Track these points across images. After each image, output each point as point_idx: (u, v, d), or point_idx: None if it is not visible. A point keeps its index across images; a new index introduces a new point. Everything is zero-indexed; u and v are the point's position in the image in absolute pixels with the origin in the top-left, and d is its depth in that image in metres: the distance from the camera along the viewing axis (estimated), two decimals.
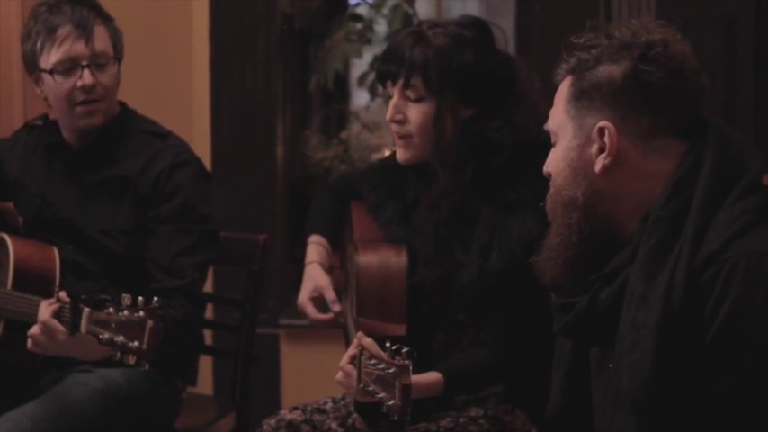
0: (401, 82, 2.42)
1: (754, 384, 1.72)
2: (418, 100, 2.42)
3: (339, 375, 2.27)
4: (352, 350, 2.24)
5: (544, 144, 2.32)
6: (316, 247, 2.68)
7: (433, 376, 2.32)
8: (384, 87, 2.49)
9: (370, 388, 2.12)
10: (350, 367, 2.23)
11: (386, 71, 2.45)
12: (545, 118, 2.38)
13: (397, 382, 2.05)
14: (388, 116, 2.46)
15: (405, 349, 2.08)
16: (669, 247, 1.79)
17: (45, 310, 2.47)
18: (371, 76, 4.27)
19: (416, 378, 2.20)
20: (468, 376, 2.39)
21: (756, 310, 1.72)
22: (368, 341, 2.19)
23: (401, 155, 2.48)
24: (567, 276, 1.90)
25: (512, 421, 2.45)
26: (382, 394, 2.09)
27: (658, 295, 1.76)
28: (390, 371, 2.08)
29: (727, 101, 3.77)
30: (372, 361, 2.13)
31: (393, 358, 2.09)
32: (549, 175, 1.94)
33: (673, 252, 1.78)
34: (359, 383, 2.16)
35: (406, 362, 2.06)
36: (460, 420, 2.43)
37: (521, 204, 2.36)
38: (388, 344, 2.12)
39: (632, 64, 1.84)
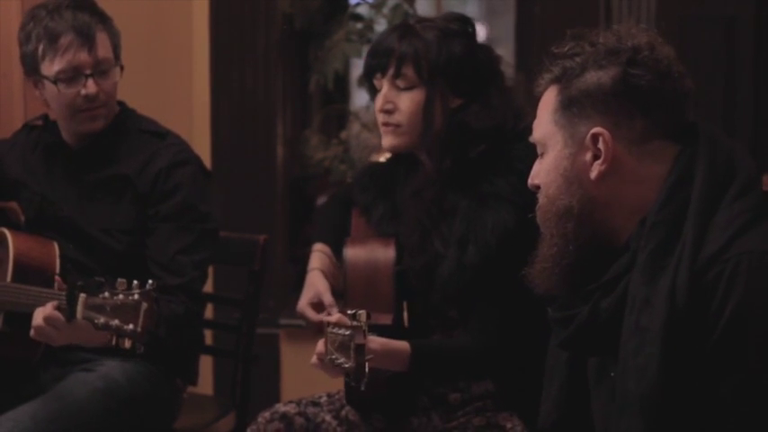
0: (392, 71, 2.45)
1: (760, 383, 1.72)
2: (408, 88, 2.45)
3: (313, 359, 2.26)
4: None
5: (519, 137, 2.35)
6: (318, 255, 2.69)
7: (401, 344, 2.32)
8: (370, 82, 2.51)
9: (333, 356, 2.12)
10: (323, 350, 2.22)
11: (375, 64, 2.48)
12: (523, 113, 2.41)
13: (351, 344, 2.05)
14: (378, 106, 2.48)
15: (361, 312, 2.07)
16: (669, 250, 1.78)
17: (46, 306, 2.48)
18: None
19: (384, 341, 2.24)
20: (437, 356, 2.38)
21: (761, 309, 1.71)
22: (335, 318, 2.19)
23: (387, 141, 2.50)
24: (563, 286, 1.90)
25: (512, 428, 2.45)
26: (341, 359, 2.09)
27: (661, 298, 1.76)
28: (347, 333, 2.07)
29: (726, 101, 3.77)
30: (335, 329, 2.13)
31: (347, 320, 2.10)
32: (537, 187, 1.93)
33: (673, 255, 1.77)
34: (326, 355, 2.16)
35: (360, 323, 2.05)
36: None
37: (496, 197, 2.38)
38: (348, 311, 2.12)
39: (621, 69, 1.83)
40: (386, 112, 2.47)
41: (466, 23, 2.50)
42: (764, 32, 3.79)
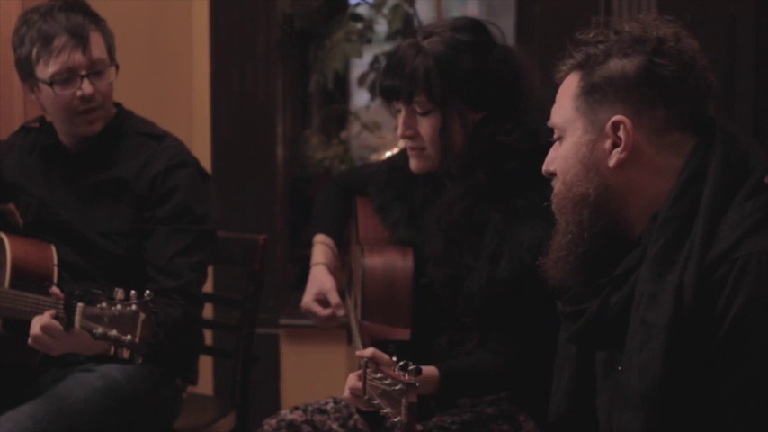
0: (405, 99, 2.41)
1: (762, 385, 1.72)
2: (426, 113, 2.41)
3: (346, 394, 2.24)
4: (360, 372, 2.21)
5: None
6: (321, 248, 2.67)
7: (430, 370, 2.30)
8: (390, 104, 2.48)
9: (376, 401, 2.10)
10: (358, 386, 2.19)
11: (389, 88, 2.44)
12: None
13: (403, 400, 2.03)
14: (400, 132, 2.45)
15: (412, 366, 2.05)
16: (678, 246, 1.78)
17: (44, 315, 2.48)
18: (371, 76, 4.27)
19: None
20: (465, 377, 2.37)
21: (767, 310, 1.71)
22: (369, 352, 2.16)
23: (415, 165, 2.48)
24: (577, 276, 1.89)
25: (525, 421, 2.44)
26: (388, 409, 2.07)
27: (668, 294, 1.76)
28: (397, 388, 2.04)
29: (727, 100, 3.77)
30: (378, 375, 2.10)
31: (396, 372, 2.07)
32: (551, 174, 1.92)
33: (682, 252, 1.77)
34: (364, 395, 2.14)
35: (413, 380, 2.03)
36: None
37: (530, 212, 2.34)
38: (395, 358, 2.09)
39: (646, 58, 1.83)
40: (408, 138, 2.44)
41: (475, 31, 2.43)
42: (765, 32, 3.79)
